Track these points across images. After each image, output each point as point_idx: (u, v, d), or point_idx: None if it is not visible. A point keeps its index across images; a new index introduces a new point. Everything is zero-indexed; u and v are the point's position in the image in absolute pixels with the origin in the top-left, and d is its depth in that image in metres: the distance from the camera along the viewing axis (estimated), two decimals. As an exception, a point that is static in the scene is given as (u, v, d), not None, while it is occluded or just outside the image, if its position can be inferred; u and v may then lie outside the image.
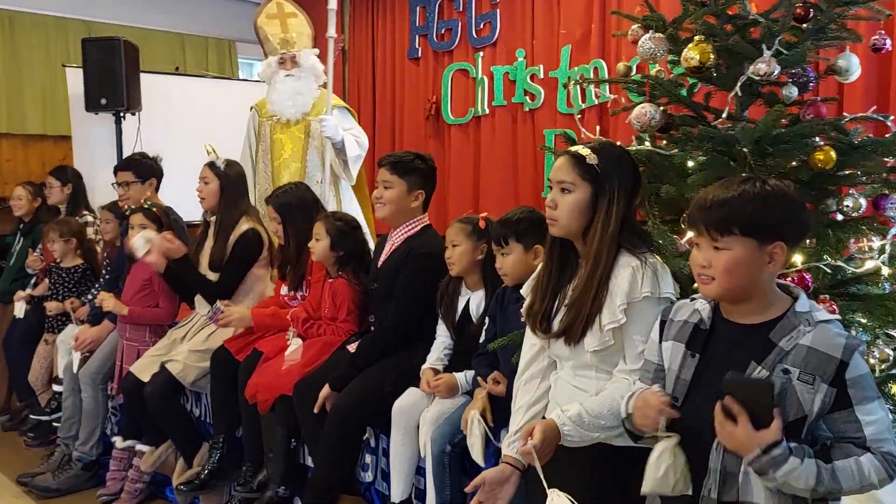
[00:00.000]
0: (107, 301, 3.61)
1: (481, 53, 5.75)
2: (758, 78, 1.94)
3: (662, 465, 1.52)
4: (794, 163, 1.92)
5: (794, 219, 1.51)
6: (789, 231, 1.50)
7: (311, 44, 4.32)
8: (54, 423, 4.02)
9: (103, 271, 4.14)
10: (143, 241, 3.40)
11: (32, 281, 4.55)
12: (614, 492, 1.80)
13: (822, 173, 1.91)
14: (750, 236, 1.47)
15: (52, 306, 4.18)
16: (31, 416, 4.23)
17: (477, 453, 2.32)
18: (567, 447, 1.84)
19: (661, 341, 1.66)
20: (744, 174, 1.62)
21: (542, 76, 5.38)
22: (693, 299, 1.65)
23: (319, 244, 3.08)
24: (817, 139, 1.99)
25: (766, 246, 1.47)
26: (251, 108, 4.42)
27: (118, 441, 3.63)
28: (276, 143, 4.25)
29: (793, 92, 1.96)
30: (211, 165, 3.54)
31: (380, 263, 2.95)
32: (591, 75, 4.98)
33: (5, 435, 4.49)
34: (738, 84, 1.96)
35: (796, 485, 1.39)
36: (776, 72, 1.93)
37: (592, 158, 1.82)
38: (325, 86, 4.20)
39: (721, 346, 1.56)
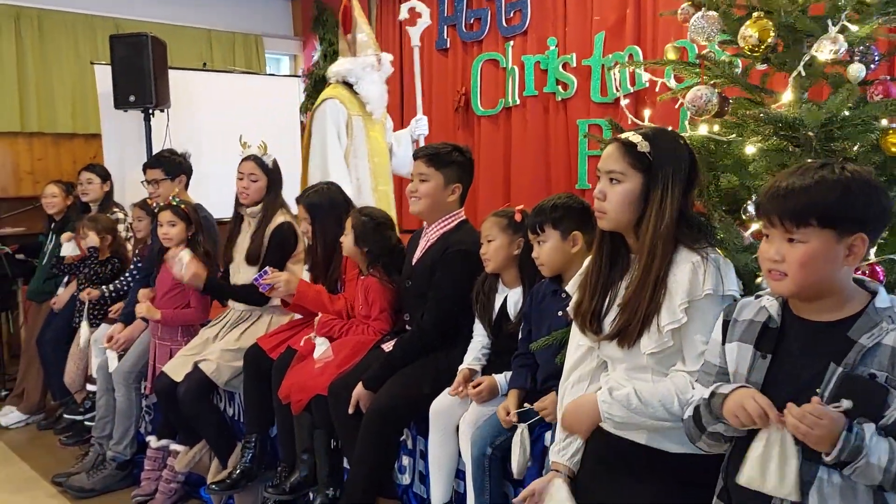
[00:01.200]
0: (139, 307, 3.58)
1: (511, 43, 5.63)
2: (822, 56, 1.81)
3: (771, 460, 1.37)
4: (861, 147, 1.79)
5: (878, 208, 1.38)
6: (872, 222, 1.37)
7: None
8: (88, 423, 4.00)
9: (132, 266, 4.11)
10: (180, 266, 3.39)
11: (65, 280, 4.53)
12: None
13: (892, 158, 1.78)
14: (829, 227, 1.35)
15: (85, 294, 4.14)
16: (66, 416, 4.22)
17: (519, 468, 2.23)
18: (625, 457, 1.75)
19: (723, 342, 1.54)
20: (820, 159, 1.48)
21: (574, 65, 5.25)
22: (758, 296, 1.53)
23: (346, 238, 3.01)
24: (885, 121, 1.86)
25: (846, 238, 1.35)
26: (328, 100, 4.17)
27: (152, 440, 3.60)
28: (374, 142, 4.21)
29: (860, 71, 1.83)
30: (258, 162, 3.44)
31: (414, 260, 2.85)
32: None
33: (40, 434, 4.49)
34: (801, 63, 1.83)
35: (874, 459, 1.28)
36: (842, 49, 1.81)
37: (644, 146, 1.70)
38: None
39: (794, 345, 1.43)
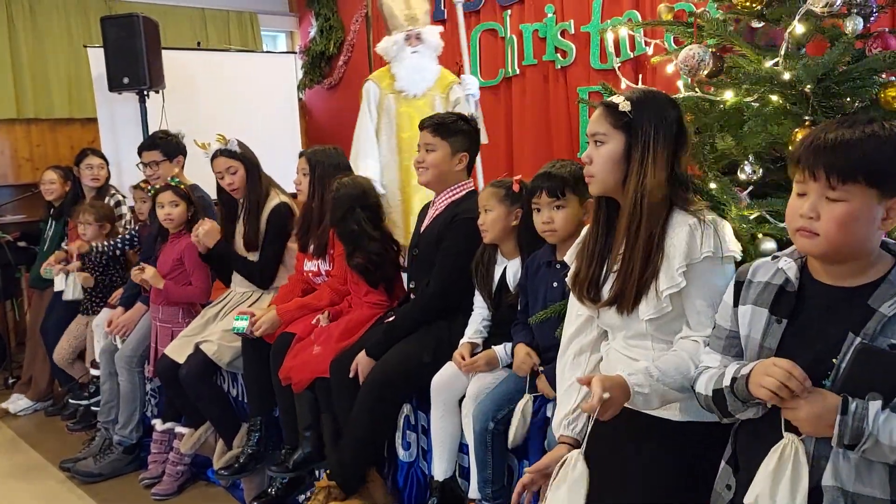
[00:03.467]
0: (146, 270, 3.55)
1: (509, 11, 5.54)
2: (818, 9, 1.75)
3: (782, 477, 1.31)
4: (861, 102, 1.73)
5: None
6: None
7: (430, 19, 4.32)
8: (93, 408, 4.00)
9: (126, 235, 4.11)
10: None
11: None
12: (679, 474, 1.67)
13: (893, 112, 1.72)
14: (875, 187, 1.27)
15: (81, 278, 4.12)
16: (71, 401, 4.22)
17: (515, 438, 2.22)
18: (628, 426, 1.72)
19: (735, 305, 1.48)
20: (868, 114, 1.41)
21: (572, 31, 5.16)
22: (775, 258, 1.46)
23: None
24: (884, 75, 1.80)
25: (887, 200, 1.28)
26: (368, 81, 4.28)
27: (158, 423, 3.59)
28: (403, 117, 4.16)
29: (858, 24, 1.76)
30: (227, 153, 3.36)
31: (422, 229, 2.83)
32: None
33: (48, 421, 4.50)
34: (797, 17, 1.77)
35: (885, 439, 1.23)
36: (838, 2, 1.74)
37: (625, 105, 1.68)
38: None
39: (813, 311, 1.37)
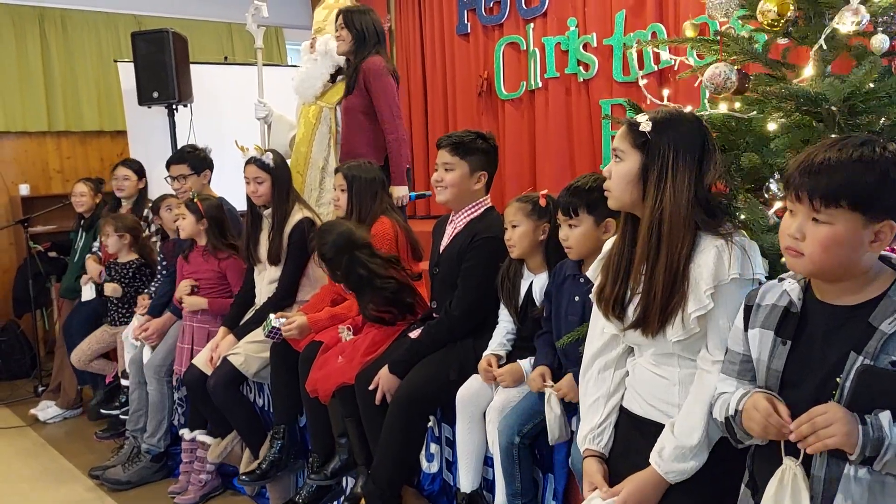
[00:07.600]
0: (186, 300, 3.62)
1: (532, 25, 5.58)
2: (844, 29, 1.76)
3: (783, 500, 1.33)
4: (887, 120, 1.74)
5: None
6: None
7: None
8: (122, 416, 4.06)
9: (159, 266, 4.14)
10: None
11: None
12: (704, 488, 1.68)
13: (919, 131, 1.73)
14: (859, 212, 1.27)
15: (110, 289, 4.21)
16: (101, 411, 4.28)
17: (553, 434, 2.22)
18: (652, 438, 1.73)
19: (746, 329, 1.49)
20: (862, 135, 1.40)
21: (595, 45, 5.19)
22: (781, 280, 1.47)
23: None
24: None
25: (874, 224, 1.28)
26: None
27: (185, 433, 3.63)
28: (299, 119, 4.28)
29: (884, 42, 1.77)
30: (259, 163, 3.41)
31: (441, 248, 2.84)
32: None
33: (77, 428, 4.58)
34: (822, 36, 1.78)
35: None
36: (864, 21, 1.76)
37: (647, 125, 1.67)
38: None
39: (817, 331, 1.37)
